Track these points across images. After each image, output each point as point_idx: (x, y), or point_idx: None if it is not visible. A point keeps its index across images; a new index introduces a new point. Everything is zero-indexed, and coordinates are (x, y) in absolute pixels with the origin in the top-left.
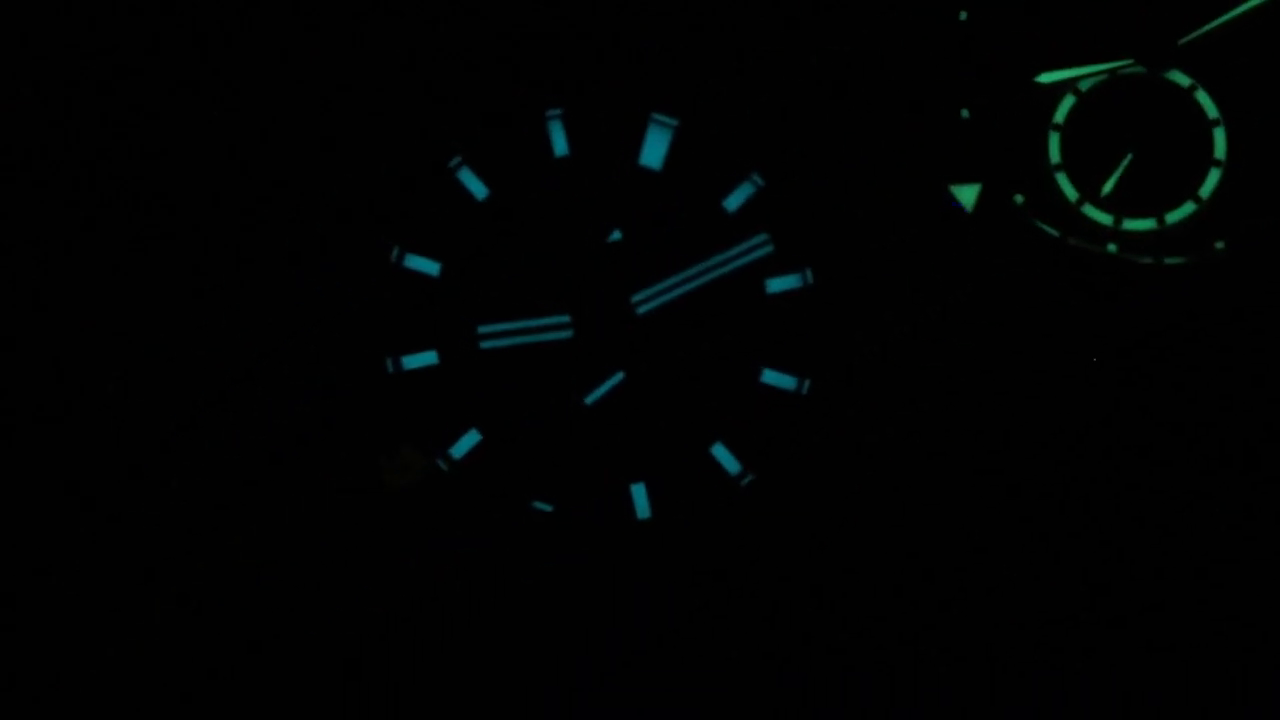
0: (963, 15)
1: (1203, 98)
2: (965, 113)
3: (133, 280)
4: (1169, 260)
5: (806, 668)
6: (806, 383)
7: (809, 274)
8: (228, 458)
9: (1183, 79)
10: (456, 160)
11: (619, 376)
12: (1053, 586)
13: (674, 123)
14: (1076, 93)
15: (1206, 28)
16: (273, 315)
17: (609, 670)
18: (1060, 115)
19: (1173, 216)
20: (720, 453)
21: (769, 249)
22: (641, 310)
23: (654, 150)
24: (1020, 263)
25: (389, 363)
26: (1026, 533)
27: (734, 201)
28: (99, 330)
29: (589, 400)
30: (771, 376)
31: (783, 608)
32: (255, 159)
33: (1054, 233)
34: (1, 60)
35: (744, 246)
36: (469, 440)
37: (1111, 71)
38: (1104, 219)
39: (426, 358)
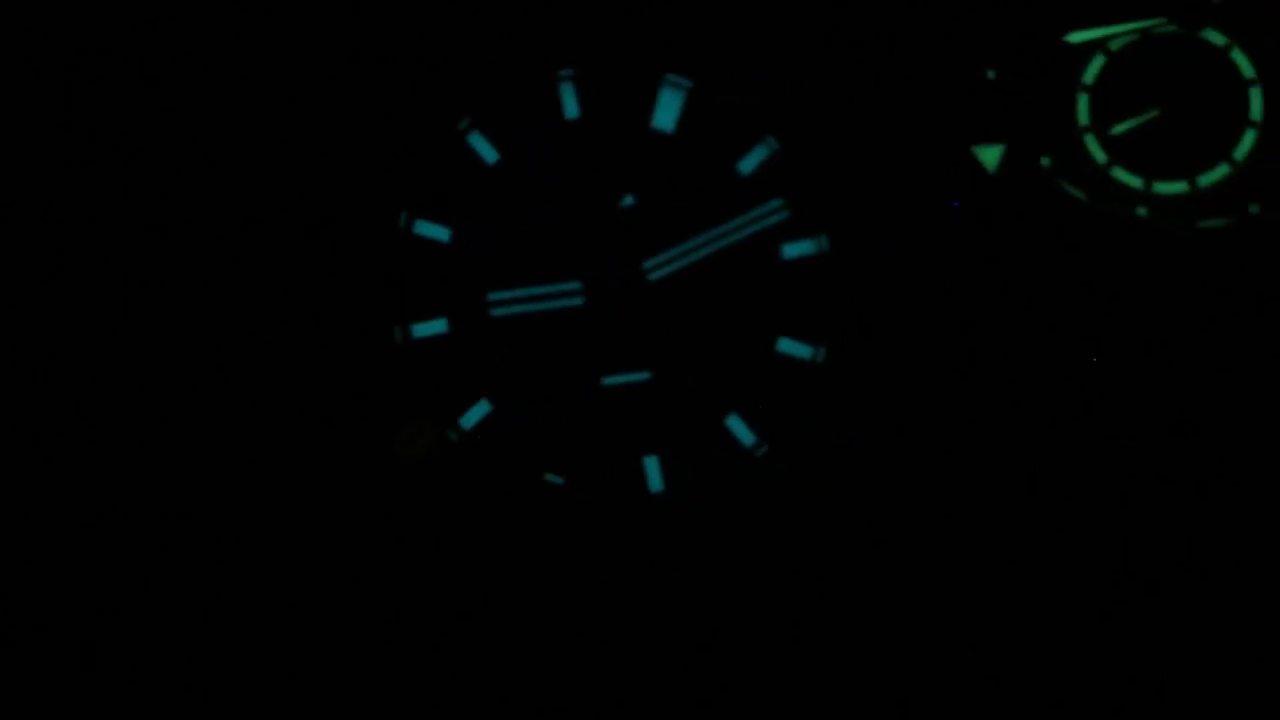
0: None
1: (1238, 57)
2: (991, 73)
3: (133, 280)
4: (1202, 224)
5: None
6: (822, 351)
7: (825, 239)
8: (228, 454)
9: (1218, 38)
10: (466, 123)
11: (644, 375)
12: (1055, 584)
13: (687, 84)
14: (1106, 52)
15: None
16: (270, 297)
17: (607, 668)
18: (1090, 76)
19: (1205, 179)
20: (735, 424)
21: (784, 214)
22: (653, 276)
23: (667, 112)
24: (1047, 227)
25: (398, 331)
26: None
27: (748, 165)
28: (99, 330)
29: (607, 383)
30: (787, 345)
31: (788, 596)
32: (256, 130)
33: (1082, 196)
34: (1, 60)
35: (758, 211)
36: (479, 410)
37: (1143, 30)
38: (1134, 182)
39: (436, 326)
